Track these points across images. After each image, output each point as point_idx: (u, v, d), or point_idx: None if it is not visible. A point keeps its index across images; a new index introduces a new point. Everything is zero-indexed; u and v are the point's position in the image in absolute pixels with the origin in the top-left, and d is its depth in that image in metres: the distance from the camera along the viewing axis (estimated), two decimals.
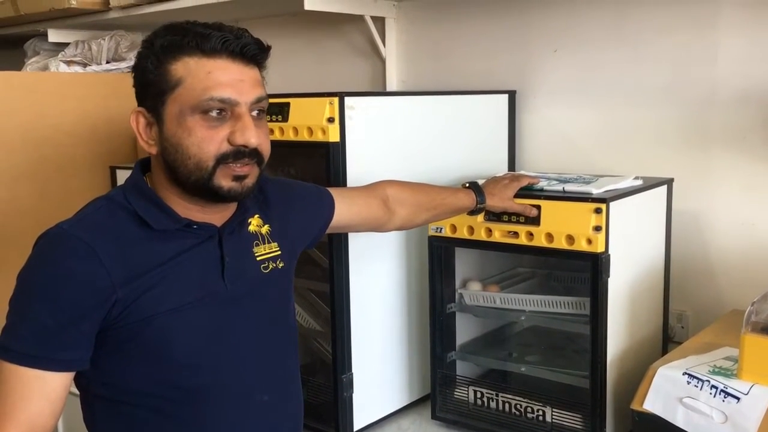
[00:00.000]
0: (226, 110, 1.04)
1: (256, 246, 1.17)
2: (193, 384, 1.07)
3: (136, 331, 1.03)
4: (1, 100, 2.21)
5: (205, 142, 1.03)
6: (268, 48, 1.09)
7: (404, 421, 1.73)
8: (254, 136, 1.05)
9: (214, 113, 1.03)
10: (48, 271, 1.01)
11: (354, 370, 1.63)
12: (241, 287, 1.12)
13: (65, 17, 2.51)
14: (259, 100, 1.07)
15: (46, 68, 2.62)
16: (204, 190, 1.06)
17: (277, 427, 1.17)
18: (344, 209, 1.37)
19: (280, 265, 1.19)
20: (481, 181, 1.60)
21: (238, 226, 1.15)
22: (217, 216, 1.12)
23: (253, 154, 1.06)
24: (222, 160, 1.04)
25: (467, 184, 1.57)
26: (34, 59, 2.76)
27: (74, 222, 1.06)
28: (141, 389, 1.06)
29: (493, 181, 1.59)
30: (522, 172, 1.68)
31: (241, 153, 1.05)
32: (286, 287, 1.23)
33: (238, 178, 1.06)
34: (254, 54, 1.06)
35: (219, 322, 1.09)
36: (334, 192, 1.38)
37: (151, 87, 1.05)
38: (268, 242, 1.19)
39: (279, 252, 1.20)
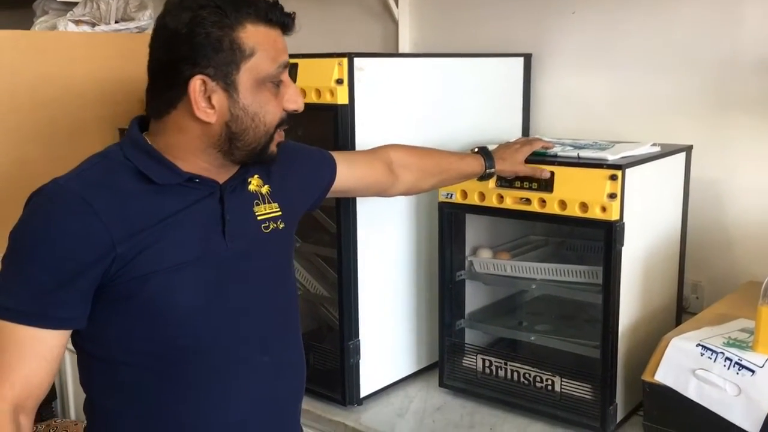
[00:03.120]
0: (282, 78, 1.08)
1: (256, 205, 1.15)
2: (191, 343, 1.06)
3: (135, 288, 1.01)
4: (8, 60, 2.19)
5: (274, 110, 1.07)
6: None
7: (411, 388, 1.72)
8: (302, 100, 1.10)
9: (274, 83, 1.06)
10: (44, 227, 0.99)
11: (361, 336, 1.61)
12: (242, 246, 1.11)
13: None
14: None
15: (54, 28, 2.59)
16: (258, 155, 1.09)
17: (277, 389, 1.16)
18: (346, 172, 1.35)
19: (281, 225, 1.17)
20: (493, 146, 1.56)
21: (240, 185, 1.14)
22: (222, 173, 1.11)
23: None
24: (279, 125, 1.09)
25: (476, 149, 1.53)
26: (42, 18, 2.73)
27: (70, 177, 1.03)
28: (139, 348, 1.05)
29: (505, 146, 1.56)
30: (536, 136, 1.63)
31: (290, 119, 1.10)
32: (287, 249, 1.21)
33: (280, 143, 1.11)
34: (290, 24, 1.09)
35: (218, 280, 1.08)
36: (336, 155, 1.36)
37: (219, 54, 1.01)
38: (269, 202, 1.17)
39: (280, 213, 1.18)
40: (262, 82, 1.05)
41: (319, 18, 2.41)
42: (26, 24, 2.86)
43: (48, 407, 2.27)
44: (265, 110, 1.06)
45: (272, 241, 1.16)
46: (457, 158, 1.52)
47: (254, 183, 1.16)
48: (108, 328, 1.05)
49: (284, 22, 1.07)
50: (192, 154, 1.07)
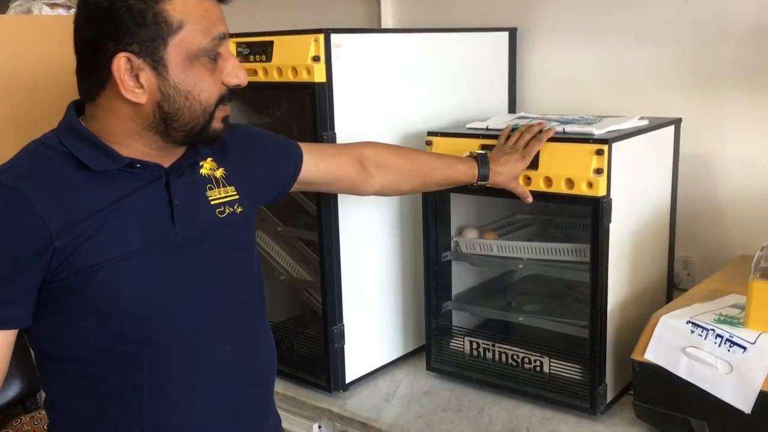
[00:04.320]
0: (219, 50, 1.01)
1: (209, 190, 1.10)
2: (144, 336, 1.02)
3: (79, 282, 0.97)
4: None
5: (213, 86, 1.01)
6: None
7: (398, 372, 1.69)
8: (245, 75, 1.03)
9: (210, 57, 1.00)
10: None
11: (345, 321, 1.57)
12: (194, 232, 1.05)
13: None
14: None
15: (29, 12, 2.52)
16: (199, 135, 1.03)
17: (242, 378, 1.12)
18: (312, 165, 1.30)
19: (239, 209, 1.12)
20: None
21: (189, 169, 1.08)
22: (167, 157, 1.05)
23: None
24: (220, 102, 1.02)
25: (474, 154, 1.45)
26: (17, 2, 2.65)
27: (3, 170, 0.98)
28: (90, 344, 1.00)
29: (505, 153, 1.42)
30: (542, 122, 1.49)
31: (233, 94, 1.03)
32: (247, 233, 1.16)
33: (225, 119, 1.05)
34: None
35: (170, 269, 1.03)
36: (304, 146, 1.31)
37: (143, 29, 0.95)
38: (223, 186, 1.12)
39: (237, 196, 1.13)
40: (195, 57, 0.98)
41: None
42: (1, 9, 2.80)
43: (32, 399, 2.24)
44: (200, 87, 0.99)
45: (230, 226, 1.11)
46: (444, 163, 1.44)
47: (207, 166, 1.11)
48: (57, 325, 1.00)
49: None
50: (129, 137, 1.01)
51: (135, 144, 1.02)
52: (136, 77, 0.97)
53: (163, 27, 0.95)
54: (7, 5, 2.73)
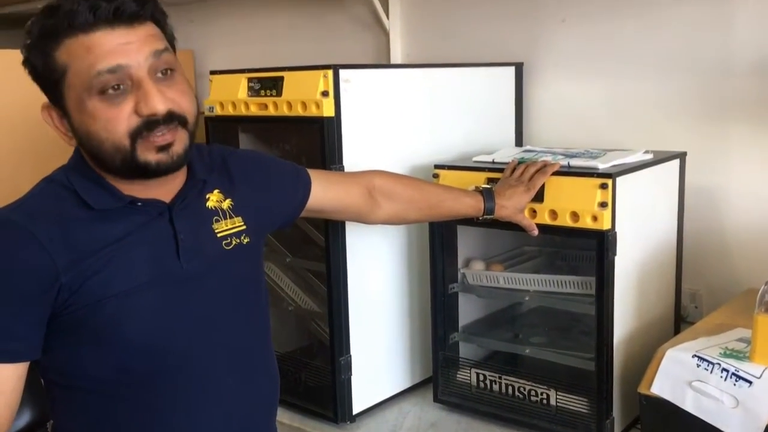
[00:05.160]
0: (123, 81, 0.95)
1: (216, 222, 1.11)
2: (149, 368, 1.03)
3: (86, 315, 0.98)
4: (3, 79, 2.18)
5: (111, 123, 0.95)
6: (152, 0, 1.00)
7: (405, 404, 1.69)
8: (160, 101, 0.96)
9: (110, 90, 0.94)
10: None
11: (353, 352, 1.58)
12: (200, 266, 1.07)
13: None
14: (157, 55, 0.97)
15: None
16: (133, 168, 0.99)
17: (244, 412, 1.12)
18: (321, 192, 1.30)
19: (245, 240, 1.13)
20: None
21: (194, 201, 1.09)
22: (162, 191, 1.06)
23: (169, 118, 0.98)
24: (136, 134, 0.96)
25: (480, 188, 1.46)
26: (24, 45, 2.72)
27: (13, 208, 1.01)
28: (96, 375, 1.02)
29: (510, 186, 1.44)
30: (546, 159, 1.50)
31: (153, 122, 0.96)
32: (254, 264, 1.17)
33: (163, 148, 0.98)
34: (133, 12, 0.96)
35: (175, 303, 1.04)
36: (313, 173, 1.31)
37: (44, 80, 0.98)
38: (230, 217, 1.13)
39: (244, 227, 1.14)
40: (88, 96, 0.94)
41: (312, 31, 2.40)
42: (19, 44, 2.86)
43: (43, 429, 2.25)
44: (98, 125, 0.95)
45: (236, 258, 1.11)
46: (451, 196, 1.45)
47: (214, 198, 1.12)
48: (65, 357, 1.02)
49: (105, 18, 0.94)
50: (110, 177, 1.03)
51: (123, 182, 1.03)
52: (64, 123, 1.00)
53: (54, 74, 0.96)
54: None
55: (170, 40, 1.03)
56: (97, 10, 0.93)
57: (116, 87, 0.95)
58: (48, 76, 0.97)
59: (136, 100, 0.96)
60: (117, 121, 0.96)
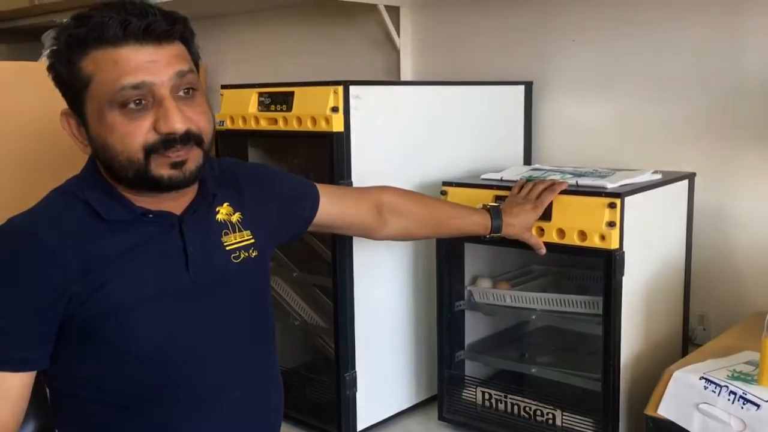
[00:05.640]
0: (145, 97, 0.97)
1: (225, 235, 1.12)
2: (155, 380, 1.03)
3: (94, 326, 0.99)
4: (15, 90, 2.21)
5: (128, 136, 0.97)
6: (183, 20, 1.01)
7: (410, 421, 1.68)
8: (179, 120, 0.97)
9: (132, 104, 0.96)
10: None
11: (358, 368, 1.58)
12: (208, 278, 1.07)
13: (81, 7, 2.49)
14: (181, 75, 0.99)
15: None
16: (145, 182, 1.00)
17: (250, 425, 1.12)
18: (329, 207, 1.31)
19: (254, 254, 1.14)
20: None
21: (204, 214, 1.10)
22: (173, 204, 1.07)
23: (186, 138, 0.99)
24: (152, 150, 0.98)
25: (488, 206, 1.46)
26: (50, 51, 2.75)
27: (25, 217, 1.02)
28: (102, 385, 1.02)
29: (517, 204, 1.44)
30: (553, 178, 1.50)
31: (170, 141, 0.98)
32: (261, 277, 1.18)
33: (177, 165, 1.00)
34: (163, 31, 0.98)
35: (183, 315, 1.05)
36: (322, 188, 1.32)
37: (67, 87, 0.99)
38: (239, 230, 1.14)
39: (252, 240, 1.14)
40: (109, 108, 0.96)
41: (323, 49, 2.41)
42: (35, 56, 2.90)
43: None
44: (114, 138, 0.97)
45: (244, 271, 1.12)
46: (459, 214, 1.45)
47: (223, 212, 1.13)
48: (72, 367, 1.02)
49: (135, 34, 0.95)
50: (122, 188, 1.04)
51: (133, 194, 1.04)
52: (81, 131, 1.02)
53: (78, 83, 0.97)
54: (40, 53, 2.83)
55: (195, 59, 1.05)
56: (128, 25, 0.95)
57: (138, 102, 0.97)
58: (71, 84, 0.98)
59: (155, 117, 0.97)
60: (134, 136, 0.97)
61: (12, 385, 0.98)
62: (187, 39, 1.03)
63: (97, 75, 0.96)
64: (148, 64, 0.96)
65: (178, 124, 0.97)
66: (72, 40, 0.97)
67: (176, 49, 1.00)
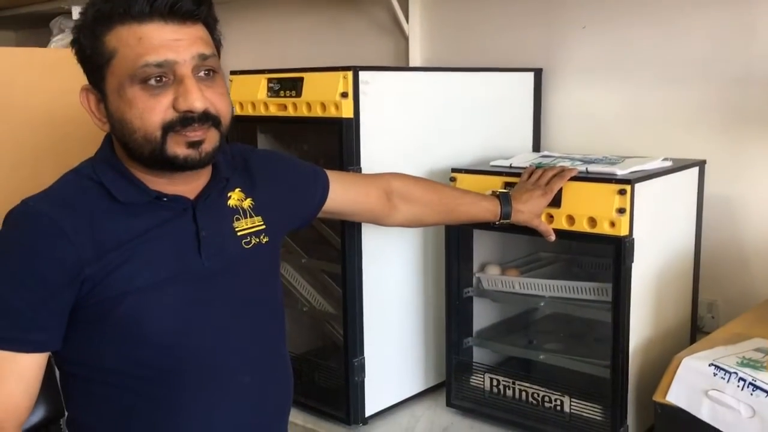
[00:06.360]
0: (166, 75, 0.97)
1: (236, 221, 1.12)
2: (167, 364, 1.04)
3: (107, 308, 0.99)
4: (24, 77, 2.21)
5: (147, 112, 0.97)
6: (208, 2, 1.02)
7: (418, 407, 1.68)
8: (199, 99, 0.98)
9: (153, 81, 0.97)
10: (13, 250, 0.98)
11: (366, 354, 1.58)
12: (220, 263, 1.07)
13: None
14: (203, 58, 1.00)
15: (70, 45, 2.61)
16: (160, 160, 1.00)
17: (259, 410, 1.13)
18: (339, 193, 1.31)
19: (264, 240, 1.14)
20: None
21: (216, 199, 1.10)
22: (187, 188, 1.07)
23: (204, 117, 1.00)
24: (169, 128, 0.98)
25: (497, 193, 1.46)
26: (59, 37, 2.76)
27: (40, 197, 1.02)
28: (114, 368, 1.03)
29: (529, 188, 1.44)
30: (563, 165, 1.50)
31: (188, 119, 0.98)
32: (271, 263, 1.18)
33: (194, 145, 1.00)
34: (189, 10, 0.98)
35: (195, 299, 1.05)
36: (332, 175, 1.32)
37: (90, 62, 1.00)
38: (251, 216, 1.14)
39: (263, 226, 1.14)
40: (130, 84, 0.96)
41: (332, 35, 2.41)
42: (43, 43, 2.90)
43: (56, 424, 2.26)
44: (132, 114, 0.97)
45: (254, 257, 1.12)
46: (468, 201, 1.45)
47: (235, 197, 1.13)
48: (85, 349, 1.03)
49: (161, 12, 0.96)
50: (138, 169, 1.04)
51: (148, 175, 1.04)
52: (100, 107, 1.02)
53: (100, 58, 0.98)
54: (49, 39, 2.84)
55: (217, 45, 1.06)
56: (154, 2, 0.96)
57: (159, 79, 0.97)
58: (94, 59, 0.98)
59: (175, 94, 0.98)
60: (153, 112, 0.97)
61: (26, 366, 0.99)
62: (210, 23, 1.04)
63: (120, 50, 0.97)
64: (172, 42, 0.97)
65: (197, 102, 0.98)
66: (98, 15, 0.97)
67: (199, 30, 1.01)
